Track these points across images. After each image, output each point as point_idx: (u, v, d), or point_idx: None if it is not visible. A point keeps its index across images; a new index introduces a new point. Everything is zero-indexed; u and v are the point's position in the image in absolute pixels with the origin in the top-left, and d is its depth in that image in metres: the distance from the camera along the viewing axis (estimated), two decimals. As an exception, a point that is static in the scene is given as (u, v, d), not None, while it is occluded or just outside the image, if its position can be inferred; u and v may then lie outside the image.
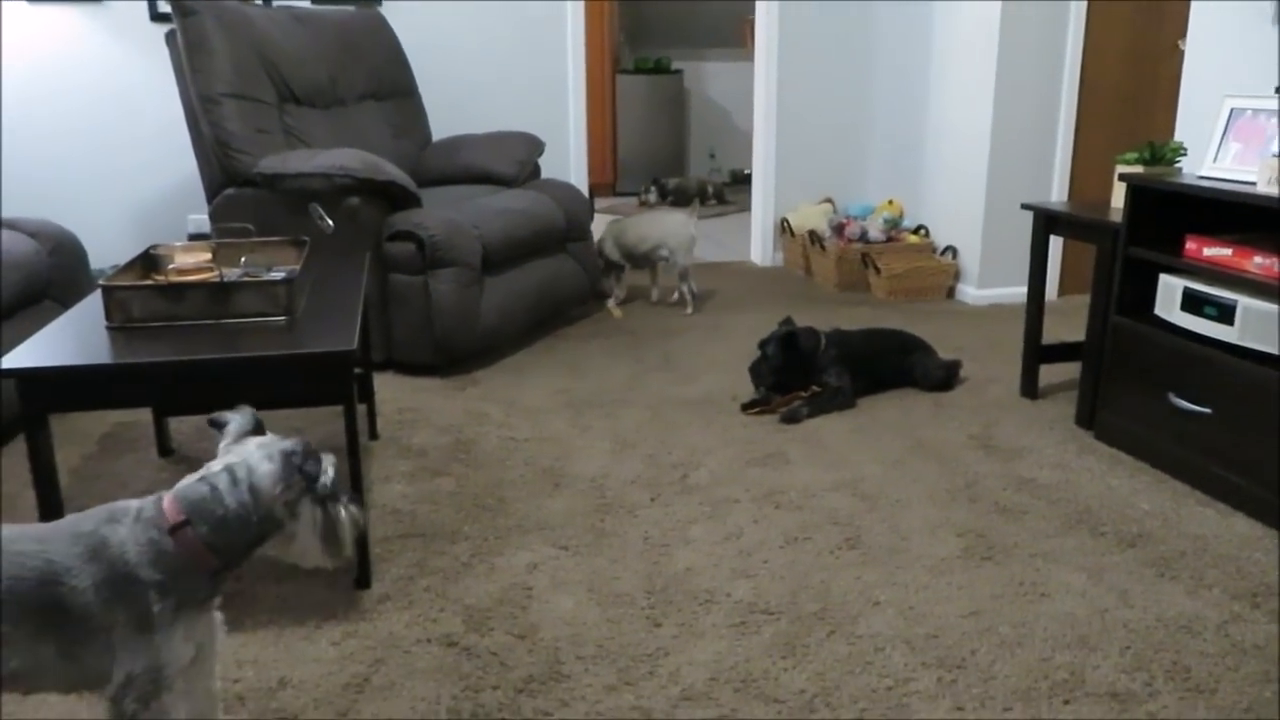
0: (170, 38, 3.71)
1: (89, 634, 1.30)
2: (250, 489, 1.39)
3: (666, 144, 8.03)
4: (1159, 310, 2.70)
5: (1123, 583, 2.12)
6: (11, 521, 2.36)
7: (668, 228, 4.23)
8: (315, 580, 2.12)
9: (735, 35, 8.13)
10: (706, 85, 8.34)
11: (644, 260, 4.32)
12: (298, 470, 1.41)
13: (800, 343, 3.15)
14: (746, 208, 5.59)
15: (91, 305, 2.20)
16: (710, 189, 7.53)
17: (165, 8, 4.35)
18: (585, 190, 4.98)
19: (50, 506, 1.89)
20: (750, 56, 5.49)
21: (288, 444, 1.43)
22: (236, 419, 1.50)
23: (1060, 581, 2.13)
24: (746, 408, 3.14)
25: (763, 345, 3.20)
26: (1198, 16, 3.22)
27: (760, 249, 5.40)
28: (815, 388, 3.17)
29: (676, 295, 4.40)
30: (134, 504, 1.40)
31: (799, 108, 5.20)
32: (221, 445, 1.48)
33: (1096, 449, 2.85)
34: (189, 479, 1.43)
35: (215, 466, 1.43)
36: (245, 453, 1.44)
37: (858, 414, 3.13)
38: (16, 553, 1.29)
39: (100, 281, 2.07)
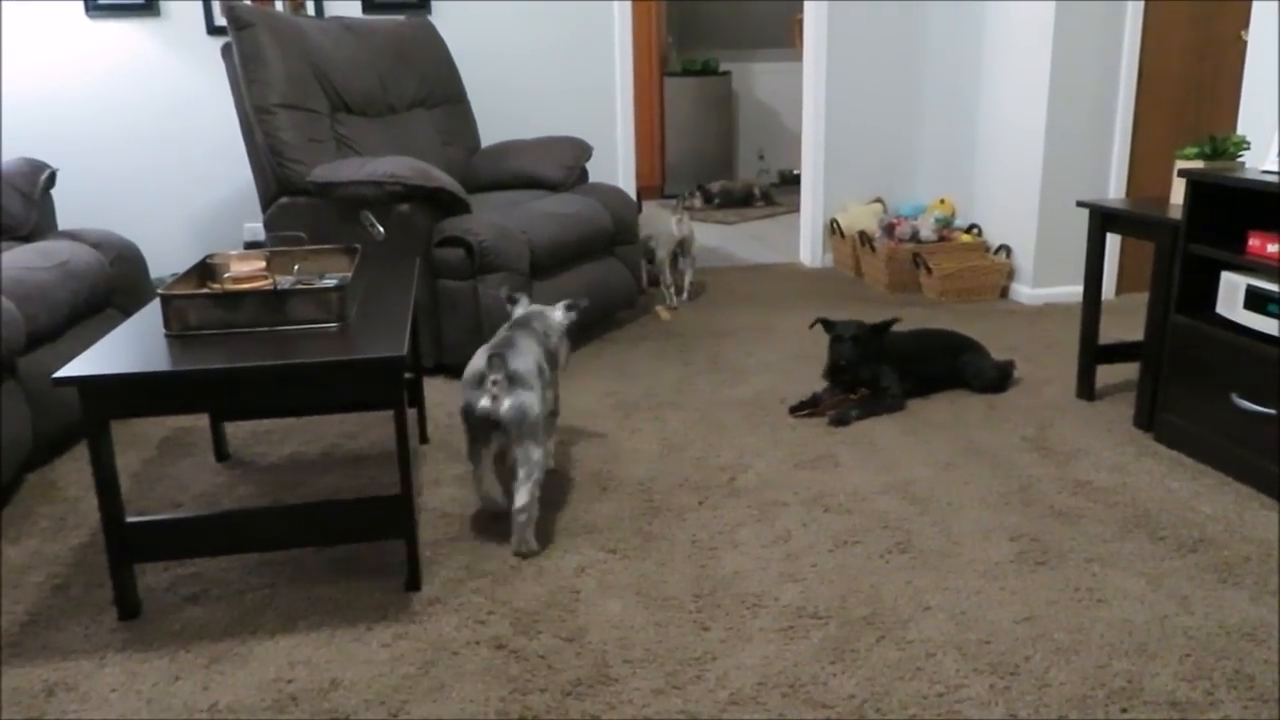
0: (226, 51, 3.80)
1: (554, 372, 2.49)
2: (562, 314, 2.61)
3: (714, 146, 8.01)
4: (1221, 309, 2.63)
5: (1183, 588, 2.07)
6: (76, 524, 2.44)
7: (653, 223, 4.54)
8: (367, 582, 2.15)
9: (784, 35, 8.09)
10: (755, 86, 8.31)
11: (645, 250, 4.55)
12: (577, 311, 2.60)
13: (879, 333, 3.14)
14: (795, 209, 5.56)
15: (151, 314, 2.26)
16: (758, 191, 7.50)
17: (221, 21, 4.44)
18: (633, 194, 4.99)
19: (111, 510, 1.94)
20: (799, 57, 5.46)
21: (566, 301, 2.62)
22: (522, 299, 2.63)
23: (1118, 587, 2.08)
24: (795, 410, 3.12)
25: (843, 339, 3.10)
26: (1260, 6, 3.13)
27: (809, 250, 5.37)
28: (865, 389, 3.13)
29: (663, 289, 4.58)
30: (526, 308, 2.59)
31: (848, 107, 5.16)
32: (518, 311, 2.59)
33: (1156, 451, 2.78)
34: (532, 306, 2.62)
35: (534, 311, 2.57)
36: (542, 309, 2.59)
37: (908, 416, 3.09)
38: (527, 337, 2.37)
39: (158, 290, 2.13)
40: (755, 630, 1.95)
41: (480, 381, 2.22)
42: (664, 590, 2.11)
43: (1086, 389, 3.21)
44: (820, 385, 3.23)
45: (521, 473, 2.23)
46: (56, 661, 1.89)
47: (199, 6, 4.47)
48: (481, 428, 2.27)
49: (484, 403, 2.21)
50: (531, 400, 2.21)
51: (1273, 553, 2.21)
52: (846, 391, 3.14)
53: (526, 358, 2.27)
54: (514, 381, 2.20)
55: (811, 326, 3.27)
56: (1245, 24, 3.35)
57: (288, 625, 2.00)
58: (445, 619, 2.01)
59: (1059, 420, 3.03)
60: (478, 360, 2.26)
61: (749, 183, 7.55)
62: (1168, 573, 2.13)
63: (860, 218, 5.07)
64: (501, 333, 2.42)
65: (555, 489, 2.61)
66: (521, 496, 2.23)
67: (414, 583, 2.12)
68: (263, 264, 2.36)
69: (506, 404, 2.19)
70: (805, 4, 5.10)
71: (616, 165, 5.05)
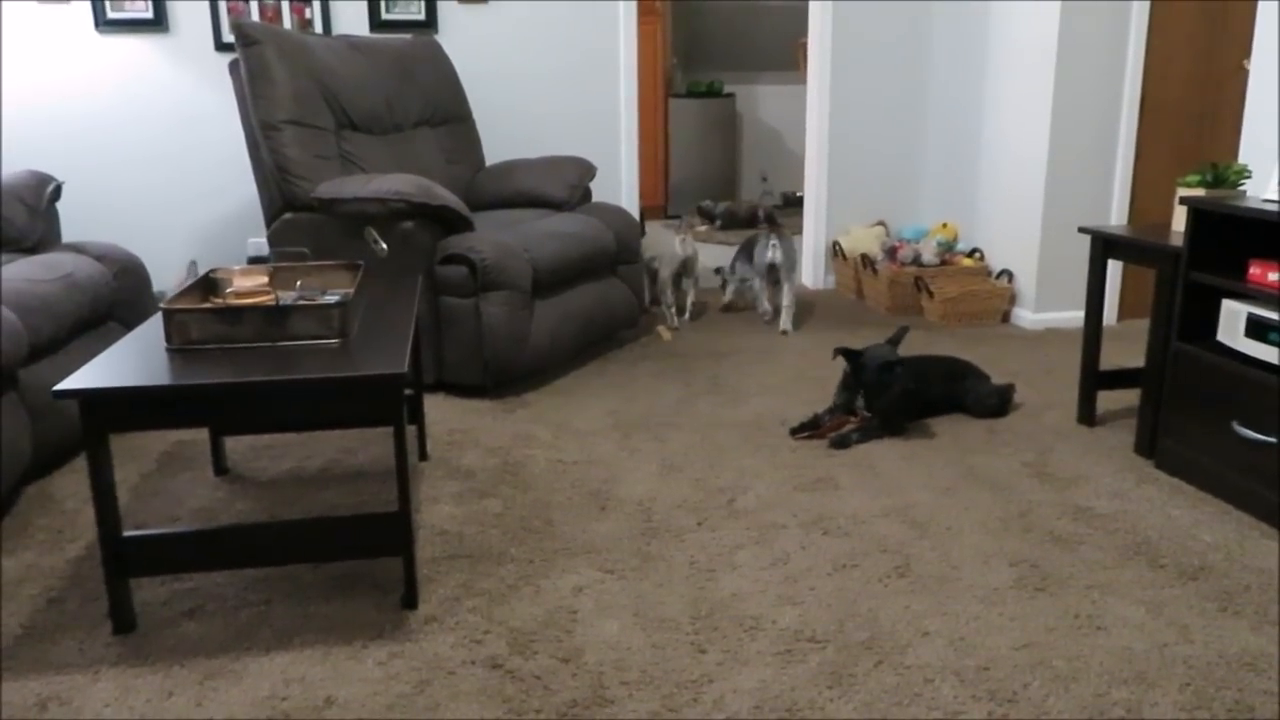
0: (234, 67, 3.82)
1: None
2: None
3: (718, 167, 8.04)
4: (1222, 336, 2.63)
5: (1183, 617, 2.06)
6: (73, 537, 2.43)
7: (658, 243, 4.72)
8: (364, 599, 2.14)
9: (788, 59, 8.13)
10: (759, 108, 8.35)
11: (648, 268, 4.65)
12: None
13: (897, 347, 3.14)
14: (798, 231, 5.57)
15: (152, 327, 2.26)
16: (762, 213, 7.52)
17: (229, 38, 4.48)
18: (636, 214, 5.00)
19: (108, 524, 1.94)
20: (803, 79, 5.49)
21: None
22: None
23: (1117, 614, 2.07)
24: (795, 432, 3.12)
25: (888, 365, 3.03)
26: (1262, 36, 3.15)
27: (812, 272, 5.38)
28: (865, 413, 3.13)
29: (664, 307, 4.63)
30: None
31: (851, 130, 5.18)
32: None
33: (1156, 478, 2.78)
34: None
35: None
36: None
37: (908, 440, 3.09)
38: (790, 239, 4.49)
39: (160, 305, 2.13)
40: (753, 653, 1.94)
41: (766, 244, 4.35)
42: (661, 612, 2.10)
43: (1087, 415, 3.20)
44: (821, 407, 3.23)
45: (786, 288, 4.36)
46: (50, 675, 1.88)
47: (207, 22, 4.50)
48: (770, 271, 4.40)
49: (769, 255, 4.34)
50: (791, 254, 4.37)
51: (1273, 582, 2.20)
52: (849, 414, 3.14)
53: (789, 244, 4.37)
54: (780, 247, 4.35)
55: (834, 357, 3.21)
56: (1247, 54, 3.37)
57: (283, 642, 1.99)
58: (441, 638, 2.00)
59: (1059, 446, 3.03)
60: (765, 236, 4.40)
61: (754, 204, 7.56)
62: (1168, 601, 2.13)
63: (862, 240, 5.08)
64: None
65: (554, 509, 2.61)
66: (787, 298, 4.38)
67: (411, 601, 2.11)
68: (265, 279, 2.36)
69: (780, 255, 4.32)
70: (809, 28, 5.14)
71: (620, 185, 5.07)
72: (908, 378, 3.03)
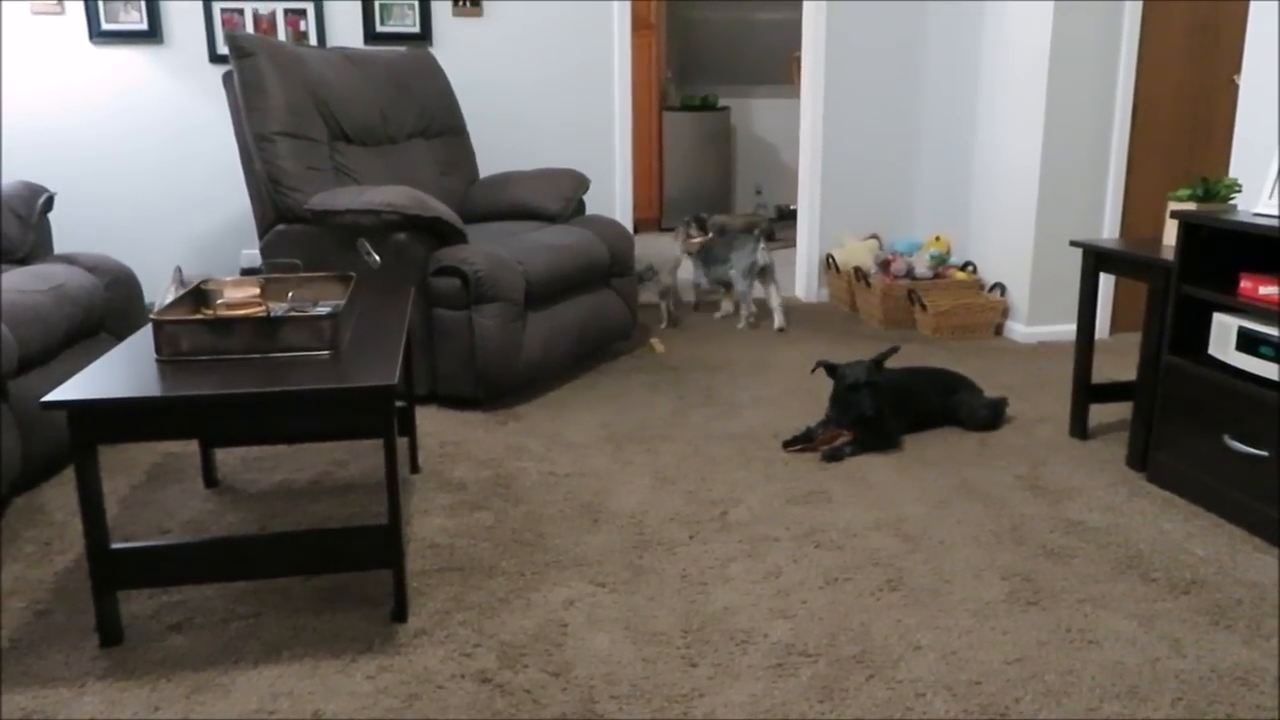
0: (228, 79, 3.82)
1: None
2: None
3: (713, 180, 8.05)
4: (1213, 350, 2.64)
5: (1175, 631, 2.06)
6: (61, 549, 2.41)
7: (654, 250, 4.75)
8: (353, 612, 2.13)
9: (782, 72, 8.16)
10: (753, 122, 8.37)
11: (641, 276, 4.72)
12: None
13: (881, 366, 3.13)
14: (792, 244, 5.58)
15: (143, 338, 2.26)
16: (757, 232, 7.52)
17: (224, 49, 4.48)
18: (630, 226, 5.01)
19: (96, 536, 1.92)
20: (797, 93, 5.51)
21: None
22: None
23: (1109, 628, 2.07)
24: (788, 445, 3.11)
25: (860, 387, 3.04)
26: (1253, 51, 3.17)
27: (805, 285, 5.38)
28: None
29: (664, 311, 4.82)
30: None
31: (845, 144, 5.20)
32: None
33: (1148, 491, 2.78)
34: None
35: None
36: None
37: (901, 453, 3.09)
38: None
39: (151, 316, 2.12)
40: (744, 667, 1.93)
41: (755, 248, 4.53)
42: (653, 625, 2.09)
43: (1080, 428, 3.20)
44: (814, 420, 3.23)
45: (774, 288, 4.64)
46: (36, 689, 1.87)
47: (202, 34, 4.51)
48: (762, 273, 4.56)
49: (759, 259, 4.52)
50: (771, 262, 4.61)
51: (1266, 596, 2.19)
52: (840, 427, 3.14)
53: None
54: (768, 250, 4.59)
55: (813, 371, 3.24)
56: (1238, 68, 3.39)
57: (271, 655, 1.98)
58: (431, 651, 1.99)
59: (1052, 459, 3.03)
60: (746, 240, 4.58)
61: (753, 219, 7.56)
62: (1160, 615, 2.12)
63: (856, 253, 5.09)
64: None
65: (546, 521, 2.60)
66: (776, 299, 4.64)
67: (400, 614, 2.10)
68: (257, 290, 2.36)
69: (769, 259, 4.53)
70: (803, 41, 5.16)
71: (614, 198, 5.07)
72: (878, 400, 3.02)
